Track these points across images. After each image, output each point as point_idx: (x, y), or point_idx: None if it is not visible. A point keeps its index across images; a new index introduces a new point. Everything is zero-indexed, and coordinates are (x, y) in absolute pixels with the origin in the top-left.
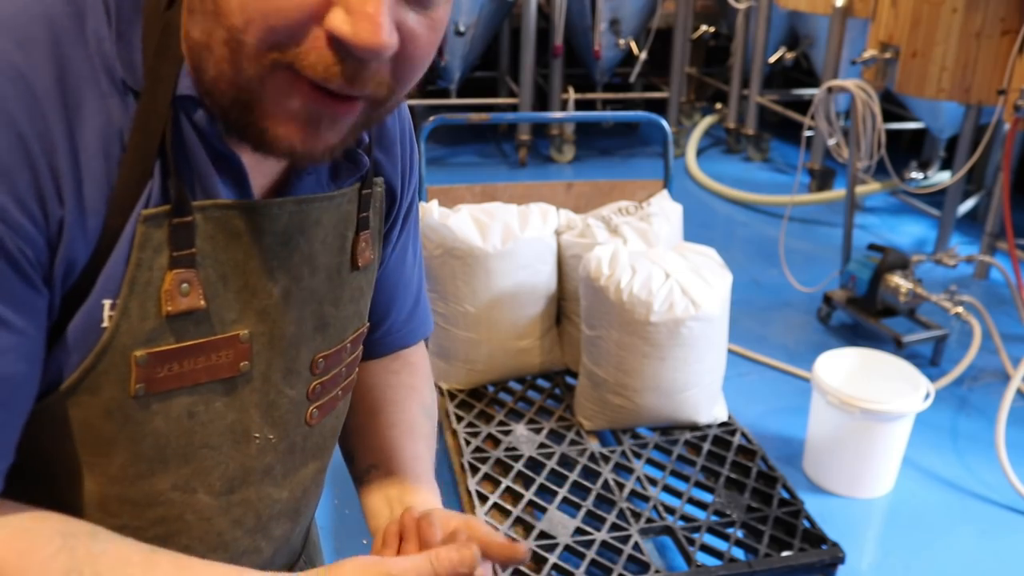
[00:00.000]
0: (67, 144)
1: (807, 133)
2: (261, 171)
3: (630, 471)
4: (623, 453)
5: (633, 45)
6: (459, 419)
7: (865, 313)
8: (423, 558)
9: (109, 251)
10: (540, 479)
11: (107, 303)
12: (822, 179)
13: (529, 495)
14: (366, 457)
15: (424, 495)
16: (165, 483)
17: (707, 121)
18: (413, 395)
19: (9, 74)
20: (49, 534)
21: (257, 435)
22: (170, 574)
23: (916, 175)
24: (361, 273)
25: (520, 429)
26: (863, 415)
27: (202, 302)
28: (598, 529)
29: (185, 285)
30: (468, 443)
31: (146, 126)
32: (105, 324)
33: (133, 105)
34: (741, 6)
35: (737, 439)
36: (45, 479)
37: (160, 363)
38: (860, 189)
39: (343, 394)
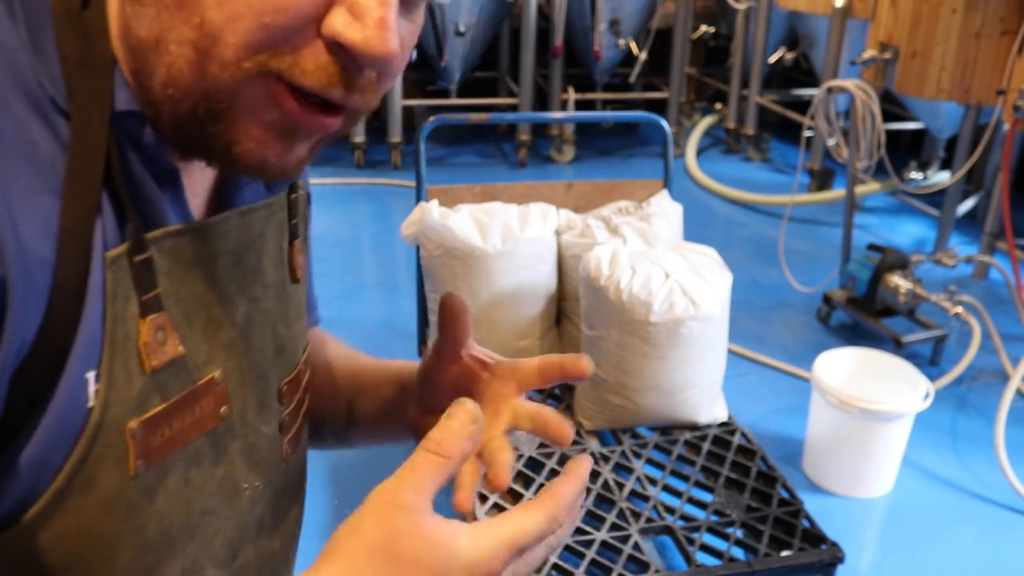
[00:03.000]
0: None
1: (807, 133)
2: (195, 186)
3: (630, 471)
4: (623, 453)
5: (633, 45)
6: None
7: (865, 313)
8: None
9: (76, 310)
10: (540, 479)
11: (91, 376)
12: (822, 179)
13: (529, 495)
14: (338, 404)
15: (413, 366)
16: (175, 569)
17: (707, 121)
18: (328, 338)
19: None
20: None
21: (246, 485)
22: None
23: (916, 175)
24: (300, 286)
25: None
26: (863, 415)
27: (180, 348)
28: (598, 529)
29: (160, 333)
30: None
31: (85, 151)
32: (91, 402)
33: (63, 127)
34: (741, 6)
35: (737, 439)
36: None
37: (154, 430)
38: (860, 189)
39: (304, 422)
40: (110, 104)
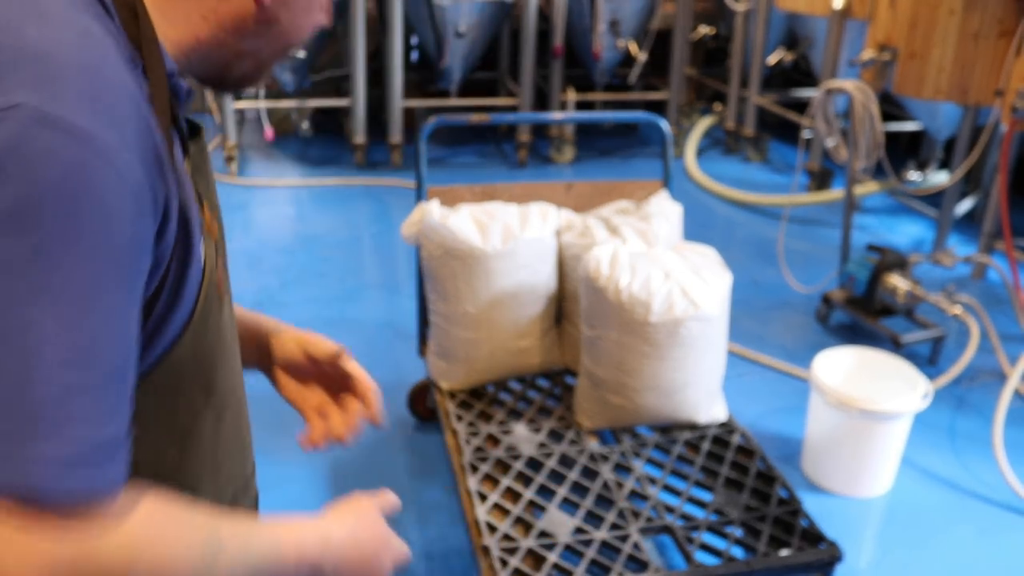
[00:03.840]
0: (157, 131)
1: (806, 134)
2: None
3: (629, 470)
4: (622, 453)
5: (632, 46)
6: (459, 419)
7: (863, 313)
8: None
9: (187, 206)
10: (540, 479)
11: (200, 248)
12: (820, 180)
13: (529, 494)
14: None
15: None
16: (237, 368)
17: (706, 122)
18: None
19: (124, 92)
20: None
21: (230, 327)
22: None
23: (914, 176)
24: None
25: (520, 429)
26: (861, 415)
27: (214, 220)
28: (598, 528)
29: (208, 212)
30: (468, 443)
31: (161, 100)
32: (202, 261)
33: (144, 84)
34: (740, 7)
35: (736, 439)
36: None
37: (219, 274)
38: (858, 189)
39: None
40: (164, 66)
